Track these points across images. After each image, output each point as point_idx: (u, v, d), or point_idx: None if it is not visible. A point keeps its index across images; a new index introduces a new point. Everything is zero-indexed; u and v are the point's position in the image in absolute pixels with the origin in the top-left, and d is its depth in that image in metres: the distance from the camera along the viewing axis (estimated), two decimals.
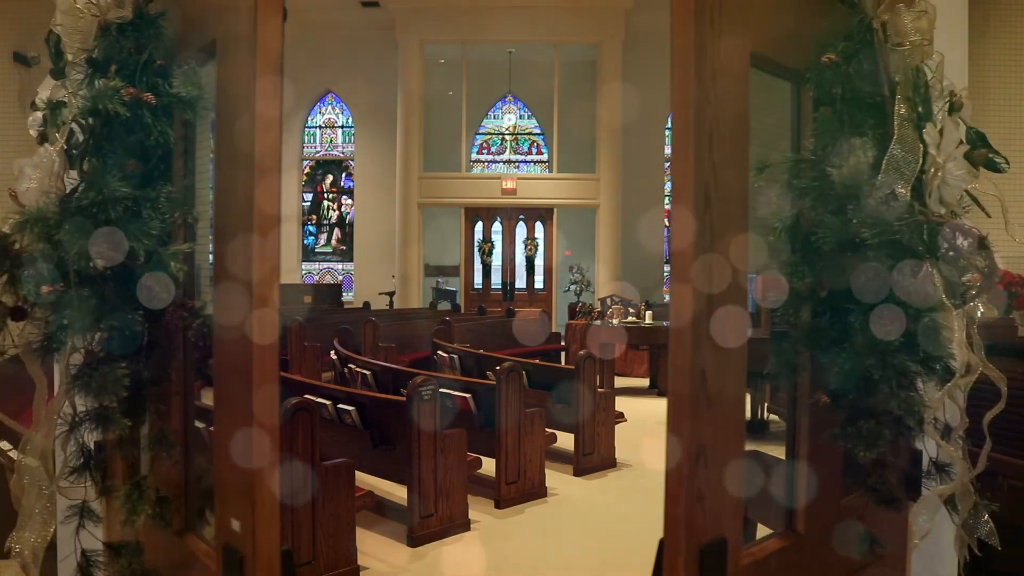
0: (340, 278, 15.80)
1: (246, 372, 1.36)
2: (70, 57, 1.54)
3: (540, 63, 14.57)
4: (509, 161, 15.89)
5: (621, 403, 6.48)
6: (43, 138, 1.56)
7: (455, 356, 7.32)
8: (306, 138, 15.61)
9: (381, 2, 13.73)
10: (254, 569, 1.37)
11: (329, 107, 15.74)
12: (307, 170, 15.77)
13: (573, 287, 13.54)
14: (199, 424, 1.70)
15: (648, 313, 9.77)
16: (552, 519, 4.95)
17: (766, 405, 6.93)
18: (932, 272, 1.40)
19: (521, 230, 15.27)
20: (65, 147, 1.50)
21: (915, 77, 1.44)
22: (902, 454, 1.52)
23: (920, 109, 1.42)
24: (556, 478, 5.58)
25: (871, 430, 1.45)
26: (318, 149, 15.76)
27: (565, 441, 5.97)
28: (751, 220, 1.50)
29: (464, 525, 4.62)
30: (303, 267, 15.82)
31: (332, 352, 7.60)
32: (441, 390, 4.82)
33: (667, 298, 13.90)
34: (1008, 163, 1.53)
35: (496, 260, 15.24)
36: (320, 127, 15.70)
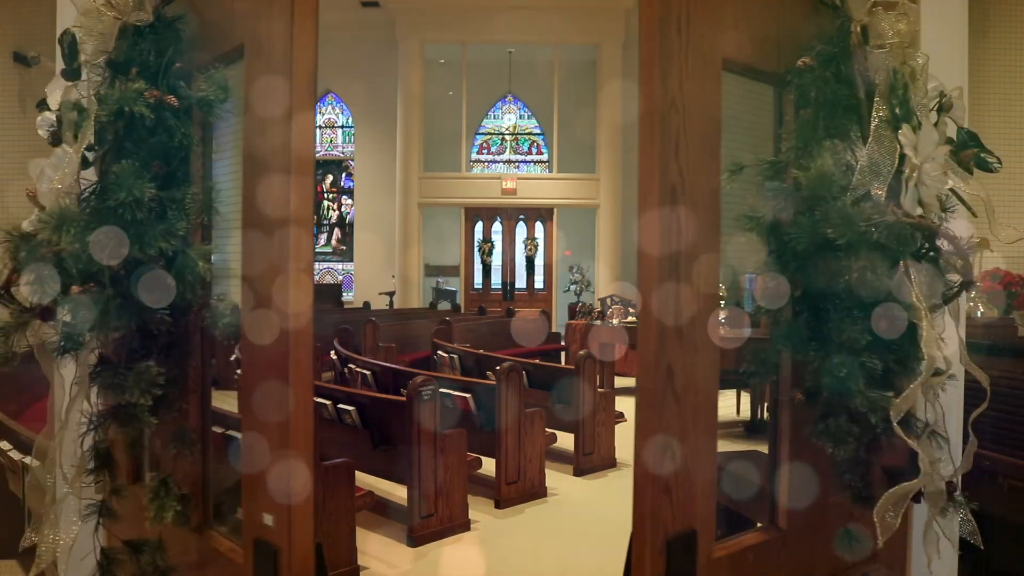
0: (340, 278, 15.80)
1: (282, 369, 1.41)
2: (85, 58, 1.54)
3: (540, 63, 14.57)
4: (509, 161, 15.88)
5: (621, 403, 6.48)
6: (55, 139, 1.56)
7: (455, 356, 7.32)
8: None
9: (381, 2, 13.73)
10: (290, 562, 1.41)
11: (329, 107, 15.74)
12: None
13: (573, 287, 13.54)
14: (217, 428, 1.71)
15: None
16: (552, 519, 4.94)
17: (766, 405, 6.93)
18: (902, 272, 1.41)
19: (521, 230, 15.26)
20: (66, 147, 1.50)
21: (893, 79, 1.44)
22: (896, 452, 1.52)
23: (898, 110, 1.43)
24: (556, 478, 5.58)
25: (840, 427, 1.47)
26: (318, 149, 15.76)
27: (565, 441, 5.97)
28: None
29: (464, 525, 4.62)
30: None
31: (332, 352, 7.60)
32: (441, 390, 4.82)
33: None
34: (1000, 162, 1.53)
35: (496, 260, 15.24)
36: (320, 127, 15.70)
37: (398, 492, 4.76)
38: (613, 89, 13.42)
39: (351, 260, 15.74)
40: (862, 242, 1.38)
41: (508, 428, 5.14)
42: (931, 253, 1.47)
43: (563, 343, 10.76)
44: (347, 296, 15.14)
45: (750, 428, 6.77)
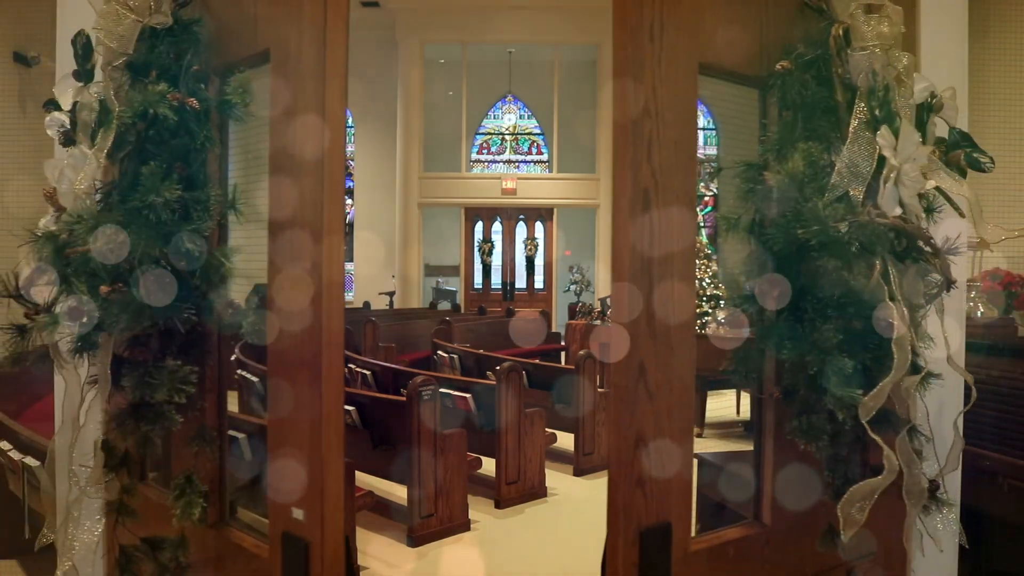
0: None
1: (314, 365, 1.44)
2: (104, 60, 1.54)
3: (540, 63, 14.57)
4: (509, 161, 15.88)
5: None
6: (67, 139, 1.56)
7: (455, 356, 7.32)
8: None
9: (381, 2, 13.73)
10: (323, 554, 1.44)
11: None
12: None
13: (573, 287, 13.54)
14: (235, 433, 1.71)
15: None
16: (552, 519, 4.94)
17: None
18: (877, 271, 1.42)
19: (521, 230, 15.26)
20: (84, 147, 1.50)
21: (872, 81, 1.45)
22: (881, 450, 1.53)
23: (878, 112, 1.43)
24: (556, 478, 5.58)
25: (812, 424, 1.50)
26: None
27: (565, 441, 5.97)
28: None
29: (464, 525, 4.62)
30: None
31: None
32: (441, 390, 4.82)
33: None
34: (993, 162, 1.53)
35: (496, 260, 15.24)
36: None
37: (398, 492, 4.76)
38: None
39: (351, 260, 15.74)
40: (835, 242, 1.40)
41: (508, 428, 5.14)
42: (913, 253, 1.47)
43: (563, 343, 10.77)
44: (347, 296, 15.15)
45: (750, 428, 6.77)
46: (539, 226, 15.10)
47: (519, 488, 5.17)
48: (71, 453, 1.56)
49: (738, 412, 7.31)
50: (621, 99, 1.46)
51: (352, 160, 15.72)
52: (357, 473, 4.09)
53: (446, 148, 14.46)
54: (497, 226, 15.23)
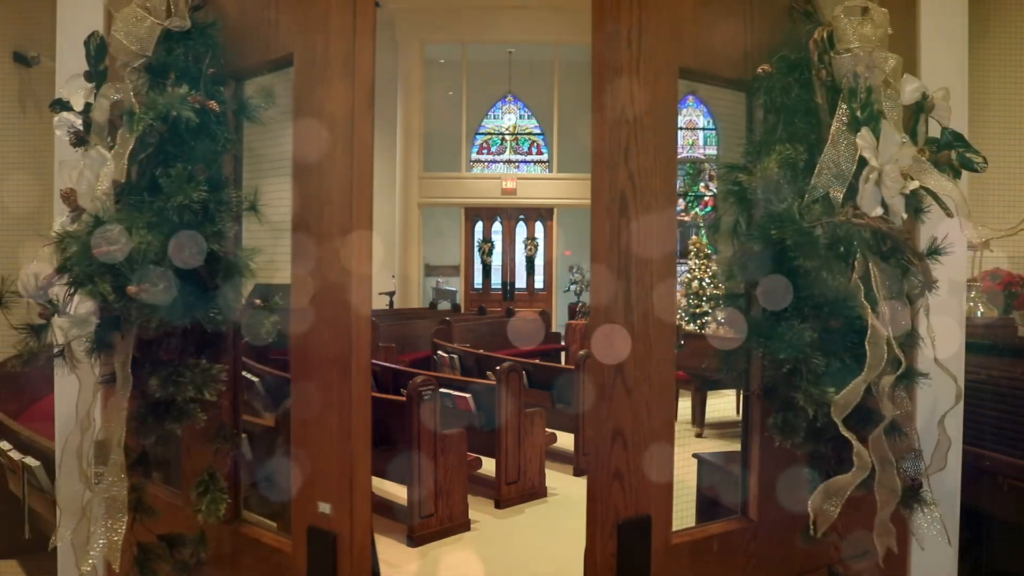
0: None
1: (343, 362, 1.48)
2: (119, 62, 1.55)
3: (540, 63, 14.57)
4: (509, 161, 15.89)
5: None
6: (79, 139, 1.56)
7: (455, 356, 7.32)
8: None
9: (381, 2, 13.73)
10: (351, 546, 1.47)
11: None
12: None
13: (573, 287, 13.55)
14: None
15: None
16: (552, 519, 4.94)
17: None
18: (853, 271, 1.44)
19: (521, 230, 15.26)
20: (110, 149, 1.51)
21: (854, 83, 1.47)
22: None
23: (859, 114, 1.45)
24: (556, 478, 5.58)
25: (787, 421, 1.53)
26: None
27: (565, 441, 5.97)
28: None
29: (464, 525, 4.62)
30: None
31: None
32: (441, 390, 4.81)
33: None
34: (986, 162, 1.53)
35: (496, 260, 15.24)
36: None
37: (398, 492, 4.76)
38: None
39: None
40: (810, 243, 1.42)
41: (508, 428, 5.14)
42: (896, 254, 1.49)
43: (563, 343, 10.77)
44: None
45: None
46: (539, 226, 15.10)
47: (519, 488, 5.17)
48: (82, 452, 1.57)
49: (738, 412, 7.31)
50: (598, 104, 1.50)
51: None
52: None
53: (446, 148, 14.46)
54: (497, 226, 15.23)
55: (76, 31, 1.94)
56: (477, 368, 6.98)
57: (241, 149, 1.70)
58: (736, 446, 1.87)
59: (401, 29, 13.92)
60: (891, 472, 1.47)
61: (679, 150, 15.94)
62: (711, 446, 6.41)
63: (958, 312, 1.95)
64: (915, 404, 1.90)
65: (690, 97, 15.28)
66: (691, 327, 10.04)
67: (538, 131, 15.87)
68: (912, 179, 1.44)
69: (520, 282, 15.31)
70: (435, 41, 14.11)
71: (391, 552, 4.30)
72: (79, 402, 1.57)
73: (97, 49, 1.58)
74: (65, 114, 1.59)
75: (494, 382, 5.23)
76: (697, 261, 10.74)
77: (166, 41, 1.54)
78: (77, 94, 1.59)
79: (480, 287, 15.28)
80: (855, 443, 1.42)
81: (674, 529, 1.61)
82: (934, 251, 1.56)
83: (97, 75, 1.58)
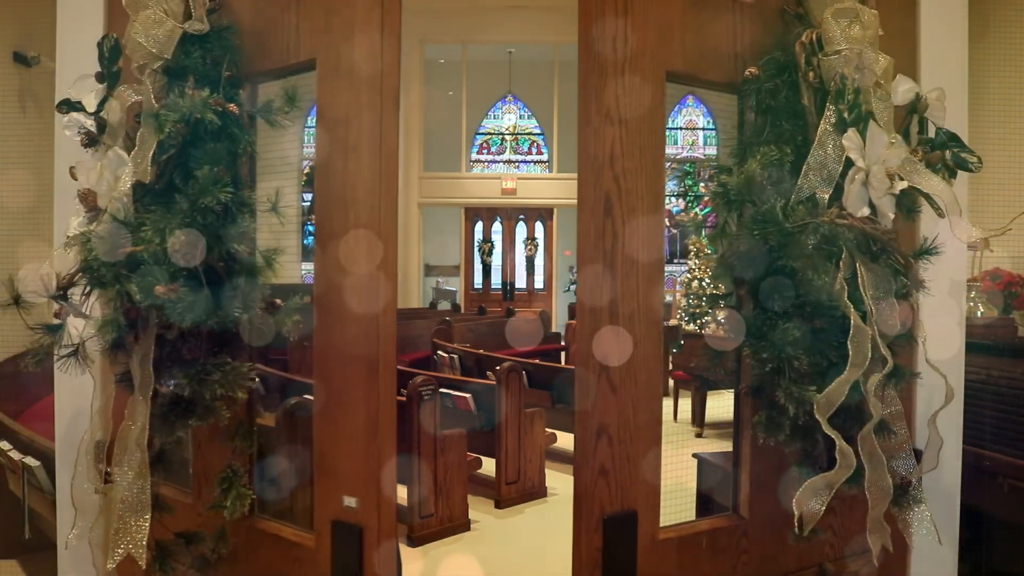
0: None
1: (371, 360, 1.52)
2: (135, 64, 1.56)
3: (540, 63, 14.58)
4: (509, 161, 15.89)
5: None
6: (92, 140, 1.57)
7: (455, 356, 7.32)
8: (306, 138, 15.62)
9: None
10: (378, 537, 1.51)
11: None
12: (307, 170, 15.77)
13: (573, 287, 13.54)
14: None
15: None
16: (552, 519, 4.94)
17: None
18: (838, 272, 1.45)
19: (521, 230, 15.27)
20: (123, 150, 1.52)
21: (841, 84, 1.48)
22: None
23: (847, 115, 1.46)
24: (556, 478, 5.58)
25: (771, 419, 1.55)
26: None
27: (565, 441, 5.97)
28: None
29: (464, 525, 4.62)
30: (303, 267, 15.82)
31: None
32: (441, 390, 4.81)
33: (668, 298, 13.91)
34: (981, 162, 1.54)
35: (496, 260, 15.24)
36: None
37: (398, 492, 4.76)
38: None
39: None
40: (793, 243, 1.44)
41: (508, 428, 5.14)
42: (884, 254, 1.50)
43: (563, 343, 10.77)
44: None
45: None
46: (539, 226, 15.10)
47: (519, 488, 5.17)
48: (98, 452, 1.58)
49: None
50: (584, 107, 1.53)
51: None
52: None
53: (446, 148, 14.46)
54: (497, 226, 15.23)
55: (76, 31, 1.95)
56: (477, 368, 6.98)
57: (255, 151, 1.72)
58: None
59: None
60: (881, 470, 1.48)
61: (679, 150, 15.76)
62: (711, 446, 6.41)
63: (958, 312, 1.95)
64: (914, 403, 1.90)
65: (690, 97, 15.28)
66: (691, 327, 10.04)
67: (538, 131, 15.87)
68: (901, 179, 1.45)
69: (520, 282, 15.32)
70: (435, 41, 14.11)
71: None
72: (94, 401, 1.58)
73: (111, 51, 1.59)
74: (75, 115, 1.59)
75: (494, 382, 5.23)
76: (697, 261, 10.73)
77: (182, 44, 1.56)
78: (88, 95, 1.59)
79: (480, 287, 15.28)
80: (838, 441, 1.43)
81: (665, 524, 1.64)
82: (925, 251, 1.57)
83: (110, 76, 1.59)
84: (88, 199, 1.51)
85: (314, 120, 1.64)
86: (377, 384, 1.52)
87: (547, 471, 5.40)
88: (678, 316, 10.76)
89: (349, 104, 1.56)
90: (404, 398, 4.40)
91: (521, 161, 15.93)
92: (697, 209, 15.04)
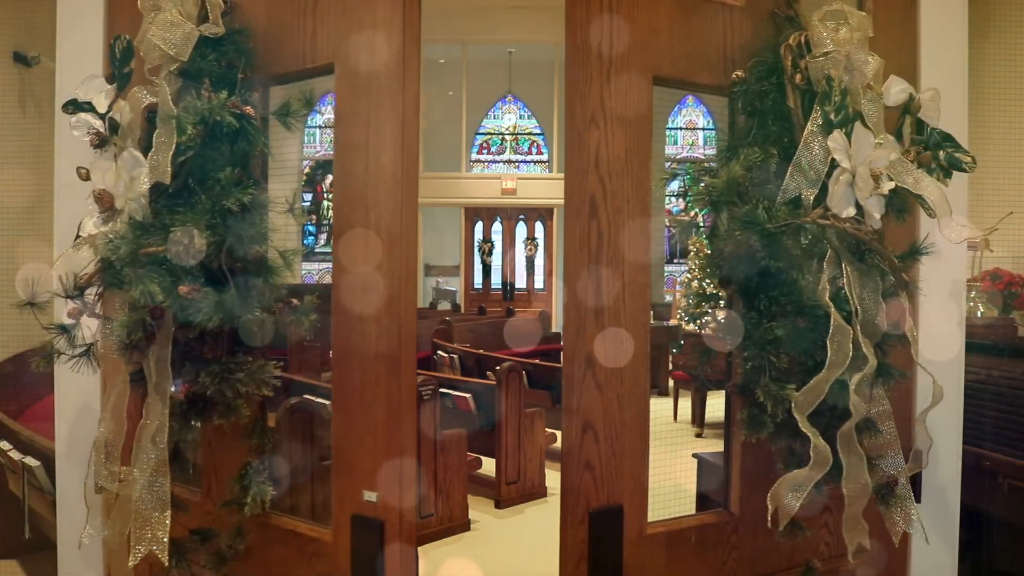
0: None
1: (393, 358, 1.55)
2: (148, 66, 1.56)
3: (540, 63, 14.58)
4: (509, 161, 15.89)
5: None
6: (102, 141, 1.58)
7: (455, 356, 7.32)
8: (306, 138, 15.63)
9: None
10: (399, 531, 1.54)
11: (329, 107, 15.74)
12: (307, 170, 15.78)
13: None
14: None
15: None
16: (552, 519, 4.93)
17: None
18: (823, 271, 1.47)
19: (521, 230, 15.27)
20: (134, 150, 1.53)
21: (827, 86, 1.49)
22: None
23: (833, 117, 1.47)
24: (556, 478, 5.57)
25: (753, 416, 1.57)
26: (318, 149, 15.77)
27: None
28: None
29: (464, 525, 4.62)
30: (303, 267, 15.83)
31: (332, 352, 7.60)
32: (441, 390, 4.81)
33: (668, 298, 13.91)
34: (975, 162, 1.54)
35: (496, 260, 15.25)
36: (320, 127, 15.70)
37: None
38: None
39: None
40: (775, 243, 1.46)
41: (508, 428, 5.14)
42: (867, 254, 1.51)
43: (563, 343, 10.73)
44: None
45: None
46: (539, 226, 15.10)
47: (519, 488, 5.18)
48: (111, 451, 1.59)
49: None
50: (570, 112, 1.56)
51: None
52: None
53: (446, 148, 14.46)
54: (497, 226, 15.23)
55: (76, 31, 1.95)
56: (477, 368, 6.98)
57: (269, 152, 1.74)
58: None
59: None
60: (860, 469, 1.49)
61: (679, 150, 15.76)
62: (711, 446, 6.41)
63: (958, 312, 1.96)
64: (914, 403, 1.90)
65: (690, 97, 15.28)
66: (691, 327, 10.04)
67: (538, 131, 15.88)
68: (889, 180, 1.46)
69: (520, 282, 15.32)
70: (435, 41, 14.11)
71: None
72: (109, 400, 1.58)
73: (123, 52, 1.60)
74: (83, 115, 1.59)
75: (494, 382, 5.23)
76: (698, 261, 10.73)
77: (197, 47, 1.57)
78: (99, 95, 1.60)
79: (480, 287, 15.28)
80: (814, 438, 1.45)
81: (653, 520, 1.66)
82: (915, 251, 1.58)
83: (121, 78, 1.60)
84: (104, 199, 1.52)
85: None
86: (399, 380, 1.55)
87: (547, 471, 5.40)
88: (678, 316, 10.75)
89: (370, 108, 1.58)
90: None
91: (521, 161, 15.94)
92: (696, 209, 15.03)
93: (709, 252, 1.67)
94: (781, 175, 1.49)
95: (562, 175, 1.58)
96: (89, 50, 1.93)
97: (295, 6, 1.67)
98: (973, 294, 3.82)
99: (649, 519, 1.65)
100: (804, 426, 1.44)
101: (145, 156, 1.51)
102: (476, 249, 15.16)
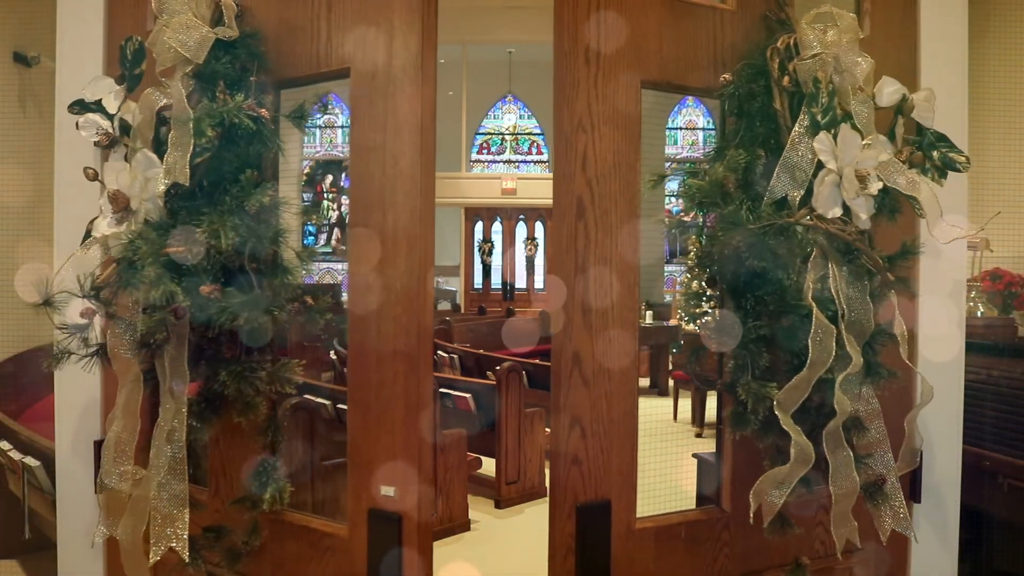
0: (340, 278, 15.81)
1: (411, 356, 1.57)
2: (165, 67, 1.57)
3: (540, 63, 14.58)
4: (509, 161, 15.89)
5: None
6: (112, 141, 1.58)
7: (455, 356, 7.32)
8: (306, 138, 15.63)
9: None
10: (417, 525, 1.58)
11: (329, 107, 15.75)
12: (307, 170, 15.79)
13: None
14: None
15: (648, 313, 9.77)
16: None
17: None
18: (807, 271, 1.48)
19: (521, 230, 15.27)
20: (148, 151, 1.54)
21: (814, 88, 1.50)
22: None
23: (820, 118, 1.48)
24: None
25: (737, 414, 1.59)
26: (318, 149, 15.77)
27: None
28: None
29: (464, 525, 4.62)
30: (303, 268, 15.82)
31: (332, 352, 7.61)
32: (441, 390, 4.82)
33: (668, 298, 13.91)
34: (969, 162, 1.55)
35: (496, 260, 15.25)
36: (320, 127, 15.71)
37: None
38: None
39: None
40: (758, 243, 1.47)
41: (508, 428, 5.14)
42: (855, 254, 1.52)
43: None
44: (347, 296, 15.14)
45: None
46: (539, 226, 15.10)
47: (519, 488, 5.18)
48: (126, 449, 1.59)
49: None
50: (558, 115, 1.57)
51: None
52: None
53: (446, 148, 14.46)
54: (497, 226, 15.23)
55: (76, 31, 1.95)
56: (477, 368, 6.98)
57: (282, 154, 1.75)
58: None
59: None
60: (847, 467, 1.50)
61: (679, 150, 15.80)
62: (711, 446, 6.41)
63: (958, 312, 1.96)
64: (913, 404, 1.90)
65: (689, 97, 15.29)
66: (691, 327, 10.04)
67: (538, 131, 15.88)
68: (878, 180, 1.47)
69: (520, 282, 15.32)
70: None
71: None
72: (120, 399, 1.58)
73: (135, 54, 1.60)
74: (91, 116, 1.60)
75: (494, 382, 5.23)
76: (696, 261, 10.73)
77: (211, 49, 1.58)
78: (108, 96, 1.60)
79: (480, 287, 15.28)
80: (795, 436, 1.45)
81: (642, 515, 1.68)
82: (906, 251, 1.59)
83: (131, 79, 1.61)
84: (119, 200, 1.52)
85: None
86: (417, 377, 1.58)
87: (547, 471, 5.40)
88: (678, 316, 10.76)
89: (387, 112, 1.60)
90: None
91: (521, 161, 15.94)
92: (695, 210, 15.03)
93: (698, 252, 1.69)
94: (768, 176, 1.50)
95: None
96: (89, 50, 1.93)
97: (308, 11, 1.68)
98: (973, 294, 3.82)
99: (639, 515, 1.67)
100: (786, 424, 1.45)
101: (156, 157, 1.52)
102: (476, 249, 15.17)
